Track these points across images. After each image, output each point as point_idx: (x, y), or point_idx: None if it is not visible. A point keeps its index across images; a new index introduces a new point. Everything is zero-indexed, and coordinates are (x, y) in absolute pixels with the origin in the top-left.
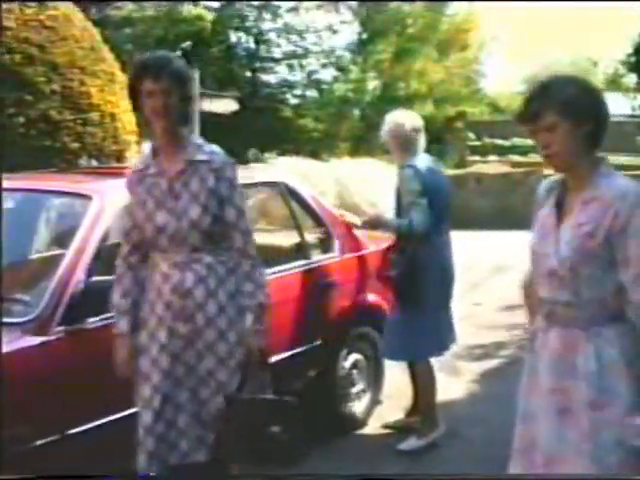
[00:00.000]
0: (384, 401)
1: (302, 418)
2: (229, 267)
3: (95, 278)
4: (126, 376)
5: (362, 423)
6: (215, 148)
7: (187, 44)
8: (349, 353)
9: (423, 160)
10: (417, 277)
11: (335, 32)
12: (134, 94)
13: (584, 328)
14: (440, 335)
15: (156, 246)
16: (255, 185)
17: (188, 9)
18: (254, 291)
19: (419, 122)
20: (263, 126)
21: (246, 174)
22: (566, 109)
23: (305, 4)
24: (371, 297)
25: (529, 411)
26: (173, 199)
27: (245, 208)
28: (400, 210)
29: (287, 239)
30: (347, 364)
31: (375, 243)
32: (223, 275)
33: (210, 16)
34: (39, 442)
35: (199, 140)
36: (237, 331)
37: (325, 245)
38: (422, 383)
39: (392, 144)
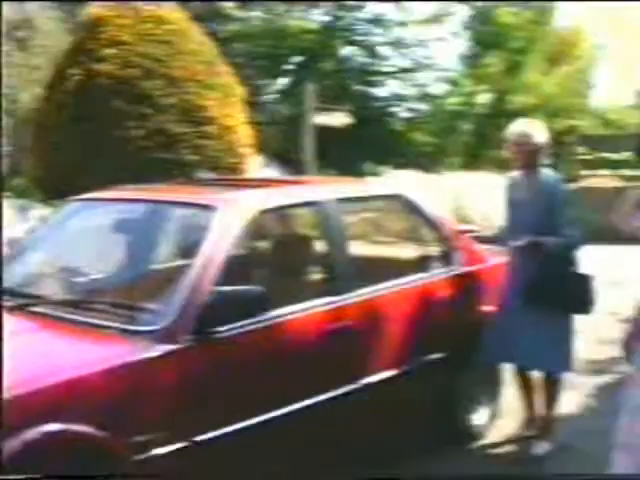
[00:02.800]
0: (503, 415)
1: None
2: None
3: (223, 288)
4: None
5: (481, 436)
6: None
7: (301, 59)
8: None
9: (549, 173)
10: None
11: (445, 45)
12: None
13: None
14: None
15: None
16: (374, 198)
17: (297, 23)
18: None
19: (545, 133)
20: (376, 140)
21: (364, 187)
22: None
23: (414, 17)
24: (490, 310)
25: (635, 404)
26: None
27: None
28: (530, 224)
29: (406, 252)
30: (467, 378)
31: (495, 256)
32: None
33: (318, 29)
34: (168, 449)
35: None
36: None
37: (446, 258)
38: (555, 395)
39: (520, 154)
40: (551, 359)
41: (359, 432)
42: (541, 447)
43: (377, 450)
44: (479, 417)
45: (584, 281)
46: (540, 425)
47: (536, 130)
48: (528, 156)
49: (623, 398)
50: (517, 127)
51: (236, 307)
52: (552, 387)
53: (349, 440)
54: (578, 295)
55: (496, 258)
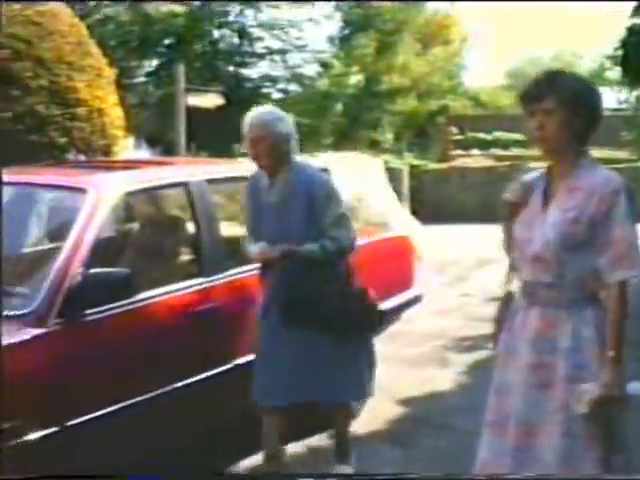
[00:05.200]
0: (375, 393)
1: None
2: None
3: (92, 270)
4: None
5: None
6: None
7: (170, 41)
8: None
9: (304, 165)
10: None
11: (317, 26)
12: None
13: (564, 308)
14: None
15: None
16: (245, 179)
17: (156, 7)
18: None
19: (289, 120)
20: None
21: (234, 168)
22: (568, 98)
23: None
24: None
25: (504, 385)
26: None
27: None
28: (292, 226)
29: None
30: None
31: (366, 234)
32: None
33: (187, 12)
34: (39, 434)
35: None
36: None
37: None
38: (348, 423)
39: (259, 150)
40: (336, 387)
41: (228, 414)
42: (343, 469)
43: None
44: None
45: (350, 291)
46: (339, 451)
47: (276, 118)
48: (270, 150)
49: (492, 377)
50: (252, 117)
51: (104, 289)
52: (342, 416)
53: (218, 421)
54: (344, 310)
55: (367, 237)
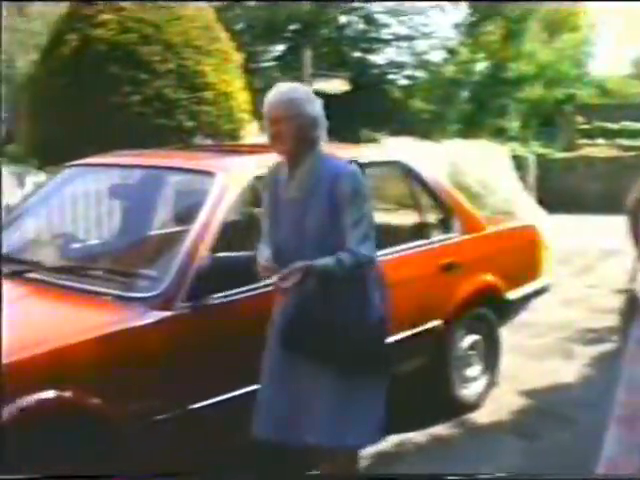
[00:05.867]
0: (500, 383)
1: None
2: None
3: (219, 254)
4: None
5: (476, 405)
6: None
7: (296, 26)
8: (466, 334)
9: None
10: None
11: (444, 13)
12: None
13: None
14: None
15: None
16: (373, 164)
17: None
18: None
19: (317, 101)
20: (373, 106)
21: (363, 153)
22: None
23: None
24: (489, 277)
25: (635, 380)
26: None
27: None
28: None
29: (405, 219)
30: (464, 345)
31: (494, 223)
32: None
33: None
34: (161, 417)
35: None
36: None
37: (445, 225)
38: (353, 470)
39: (281, 134)
40: (336, 430)
41: None
42: None
43: None
44: (476, 386)
45: (365, 319)
46: None
47: (305, 98)
48: (293, 134)
49: (621, 372)
50: (276, 93)
51: (230, 273)
52: (347, 461)
53: None
54: (347, 343)
55: (495, 226)
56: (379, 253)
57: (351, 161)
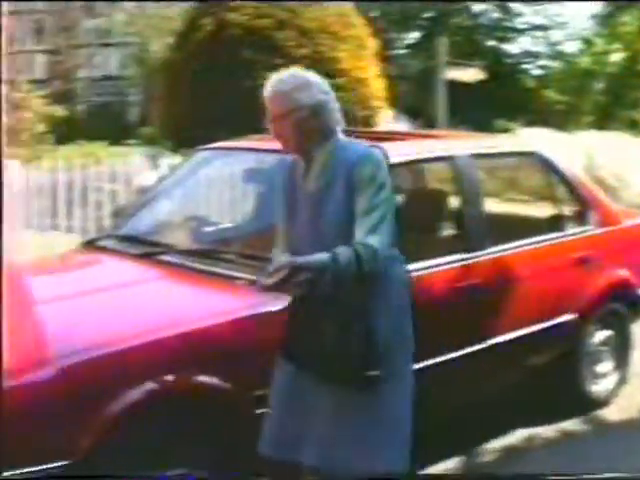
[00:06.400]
0: (631, 379)
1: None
2: None
3: None
4: None
5: (606, 402)
6: None
7: (431, 14)
8: (598, 330)
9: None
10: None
11: (579, 4)
12: None
13: None
14: None
15: None
16: (508, 155)
17: None
18: None
19: (325, 86)
20: (508, 96)
21: (499, 143)
22: None
23: None
24: (623, 272)
25: None
26: None
27: None
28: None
29: (541, 210)
30: (596, 341)
31: (630, 217)
32: None
33: None
34: None
35: None
36: None
37: (581, 218)
38: None
39: (288, 127)
40: (353, 455)
41: (475, 394)
42: None
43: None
44: (605, 383)
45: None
46: None
47: (295, 87)
48: (294, 130)
49: None
50: (268, 86)
51: None
52: None
53: (468, 401)
54: (342, 354)
55: (632, 219)
56: (513, 245)
57: (376, 147)
